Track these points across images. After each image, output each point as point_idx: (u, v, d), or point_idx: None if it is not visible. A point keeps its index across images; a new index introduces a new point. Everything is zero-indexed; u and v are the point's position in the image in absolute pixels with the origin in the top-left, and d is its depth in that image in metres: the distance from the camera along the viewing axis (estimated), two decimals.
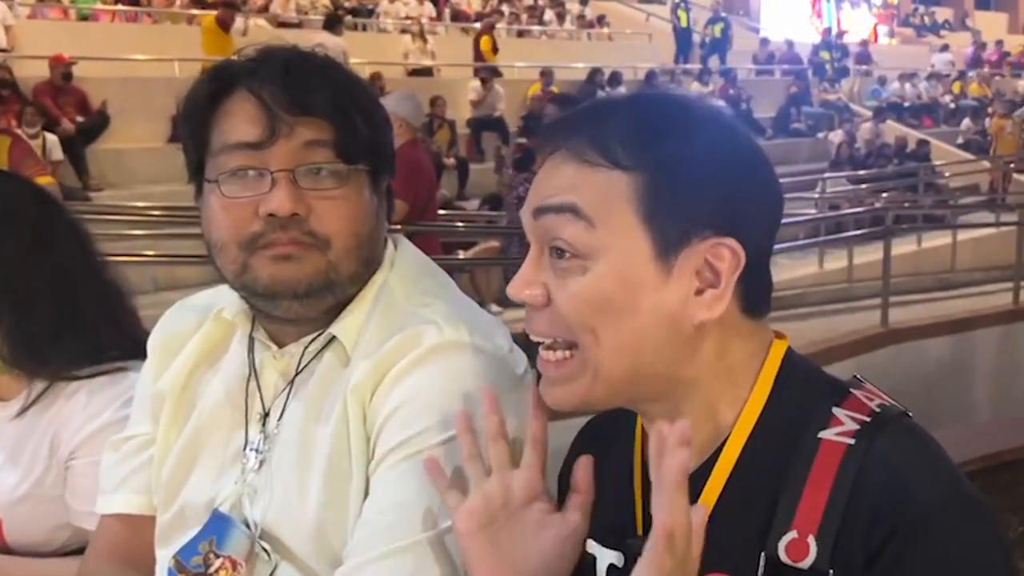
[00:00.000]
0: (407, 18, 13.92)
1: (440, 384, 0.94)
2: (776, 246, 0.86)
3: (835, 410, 0.77)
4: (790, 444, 0.76)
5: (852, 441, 0.74)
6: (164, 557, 1.06)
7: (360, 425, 0.96)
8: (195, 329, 1.12)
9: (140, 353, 1.34)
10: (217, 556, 0.99)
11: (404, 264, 1.06)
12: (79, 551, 1.31)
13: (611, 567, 0.88)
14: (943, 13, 27.13)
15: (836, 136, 13.19)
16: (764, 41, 17.69)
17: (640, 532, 0.84)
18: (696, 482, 0.78)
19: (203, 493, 1.04)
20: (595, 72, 12.47)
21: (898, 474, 0.72)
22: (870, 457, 0.73)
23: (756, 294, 0.80)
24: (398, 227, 4.25)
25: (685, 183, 0.76)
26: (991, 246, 9.01)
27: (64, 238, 1.36)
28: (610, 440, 0.94)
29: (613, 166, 0.76)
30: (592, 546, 0.90)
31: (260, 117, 0.95)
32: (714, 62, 15.56)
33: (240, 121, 0.97)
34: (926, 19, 26.26)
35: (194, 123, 1.00)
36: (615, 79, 12.61)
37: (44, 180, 4.73)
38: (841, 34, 20.55)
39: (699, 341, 0.78)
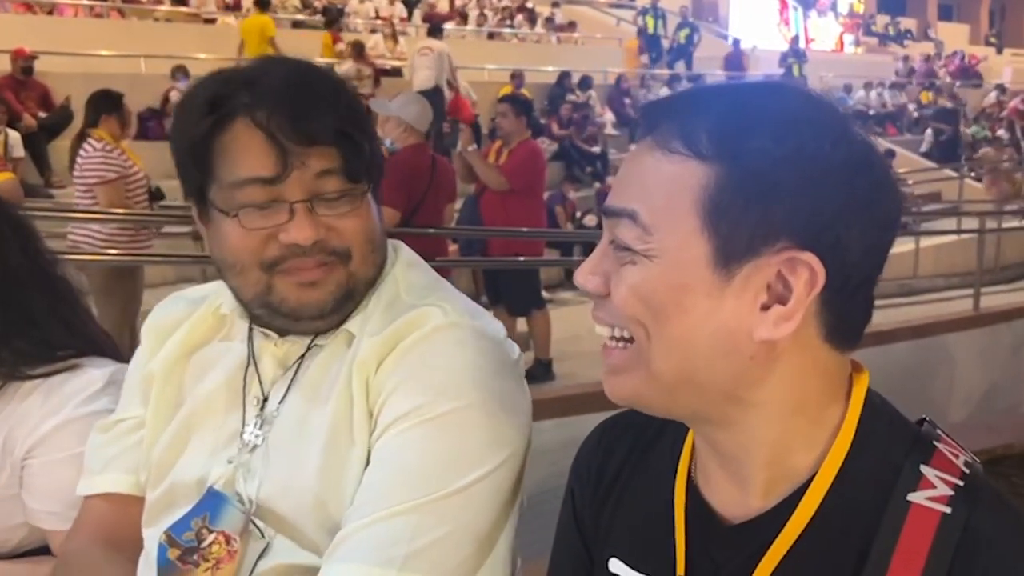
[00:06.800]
0: (377, 18, 13.87)
1: (446, 359, 0.97)
2: None
3: (924, 469, 0.72)
4: (876, 502, 0.71)
5: (948, 510, 0.69)
6: (151, 536, 1.06)
7: (363, 398, 0.98)
8: (187, 317, 1.15)
9: (94, 350, 1.34)
10: (210, 531, 1.00)
11: (403, 262, 1.11)
12: (36, 551, 1.30)
13: None
14: (907, 23, 27.59)
15: None
16: (736, 42, 17.81)
17: (681, 572, 0.77)
18: (765, 526, 0.73)
19: (194, 472, 1.05)
20: (565, 75, 12.52)
21: (1007, 561, 0.68)
22: (972, 533, 0.68)
23: (846, 323, 0.72)
24: None
25: (762, 184, 0.68)
26: (952, 253, 9.17)
27: (7, 238, 1.33)
28: (649, 441, 0.87)
29: (692, 156, 0.70)
30: (617, 566, 0.83)
31: (270, 151, 0.96)
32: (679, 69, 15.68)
33: (249, 155, 0.97)
34: (890, 29, 26.69)
35: (197, 153, 0.99)
36: (585, 83, 12.66)
37: (3, 177, 4.65)
38: (808, 42, 20.82)
39: (769, 363, 0.71)
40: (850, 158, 0.69)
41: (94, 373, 1.29)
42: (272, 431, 1.03)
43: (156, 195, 5.03)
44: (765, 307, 0.69)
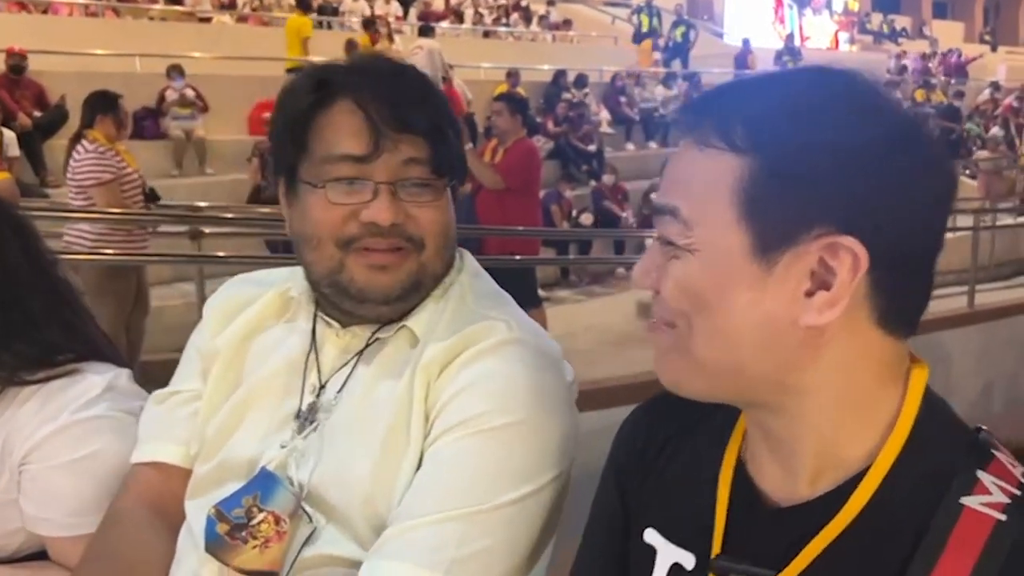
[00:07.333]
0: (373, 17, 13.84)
1: (507, 373, 1.00)
2: None
3: (980, 474, 0.69)
4: (927, 502, 0.69)
5: (1003, 517, 0.66)
6: (194, 508, 1.09)
7: (423, 401, 1.01)
8: (255, 299, 1.18)
9: (94, 354, 1.33)
10: (260, 510, 1.02)
11: (469, 270, 1.15)
12: (35, 557, 1.29)
13: (675, 566, 0.80)
14: (901, 21, 27.64)
15: None
16: (746, 41, 17.83)
17: (717, 548, 0.77)
18: (811, 514, 0.72)
19: (245, 451, 1.08)
20: (560, 74, 12.52)
21: None
22: None
23: (898, 305, 0.71)
24: None
25: (794, 171, 0.67)
26: (947, 251, 9.18)
27: (8, 238, 1.32)
28: (697, 419, 0.86)
29: (728, 148, 0.70)
30: (653, 536, 0.83)
31: (366, 131, 1.02)
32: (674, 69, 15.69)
33: (346, 134, 1.03)
34: (885, 27, 26.73)
35: (296, 128, 1.05)
36: (580, 81, 12.66)
37: None
38: (803, 40, 20.85)
39: (817, 348, 0.70)
40: (888, 138, 0.68)
41: (93, 379, 1.29)
42: (328, 420, 1.05)
43: (152, 196, 5.02)
44: (809, 293, 0.68)
